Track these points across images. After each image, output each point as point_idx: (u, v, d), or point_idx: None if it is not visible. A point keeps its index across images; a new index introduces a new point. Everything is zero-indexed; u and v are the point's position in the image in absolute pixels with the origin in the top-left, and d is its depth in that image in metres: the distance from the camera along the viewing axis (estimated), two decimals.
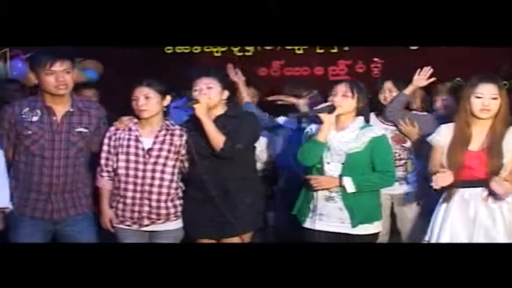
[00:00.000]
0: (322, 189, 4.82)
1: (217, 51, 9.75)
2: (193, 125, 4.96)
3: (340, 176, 4.80)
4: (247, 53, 9.72)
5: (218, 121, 4.94)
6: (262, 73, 9.71)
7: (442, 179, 4.58)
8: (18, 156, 4.79)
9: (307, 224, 4.90)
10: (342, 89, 4.86)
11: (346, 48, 9.33)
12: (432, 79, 5.73)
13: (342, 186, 4.78)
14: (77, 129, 4.78)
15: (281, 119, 6.20)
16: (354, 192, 4.78)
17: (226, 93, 5.03)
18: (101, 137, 4.89)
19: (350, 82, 4.97)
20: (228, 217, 4.88)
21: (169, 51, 9.54)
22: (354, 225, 4.81)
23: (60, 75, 4.65)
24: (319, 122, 4.90)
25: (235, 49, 9.62)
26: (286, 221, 5.72)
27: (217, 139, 4.85)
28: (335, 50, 9.32)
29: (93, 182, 4.93)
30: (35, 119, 4.73)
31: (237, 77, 5.95)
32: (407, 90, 5.65)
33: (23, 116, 4.74)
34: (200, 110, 4.85)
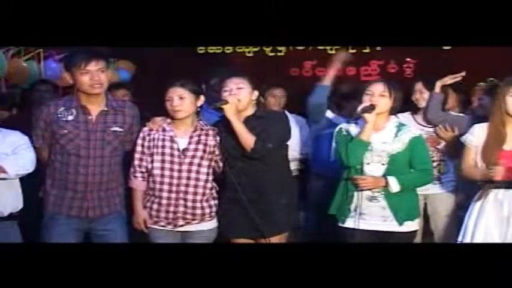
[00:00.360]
0: (367, 189, 4.82)
1: (249, 52, 9.78)
2: (224, 126, 4.96)
3: (384, 176, 4.81)
4: (279, 53, 9.74)
5: (248, 122, 4.94)
6: (294, 73, 9.72)
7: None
8: (54, 156, 4.82)
9: (349, 224, 4.89)
10: (379, 88, 4.86)
11: (378, 48, 9.31)
12: (458, 77, 5.72)
13: (386, 186, 4.79)
14: (111, 128, 4.79)
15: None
16: (396, 192, 4.80)
17: (256, 94, 5.03)
18: (135, 136, 4.92)
19: (387, 82, 4.97)
20: (263, 217, 4.89)
21: (201, 52, 9.58)
22: (400, 223, 4.85)
23: (95, 75, 4.67)
24: (355, 122, 4.92)
25: (267, 49, 9.64)
26: (318, 221, 5.74)
27: (248, 139, 4.86)
28: (367, 50, 9.31)
29: (126, 182, 4.95)
30: (70, 118, 4.74)
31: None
32: (437, 88, 5.67)
33: (59, 115, 4.75)
34: (229, 111, 4.85)
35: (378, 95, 4.83)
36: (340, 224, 4.94)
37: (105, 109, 4.79)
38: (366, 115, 4.78)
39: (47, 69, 8.71)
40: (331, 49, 9.40)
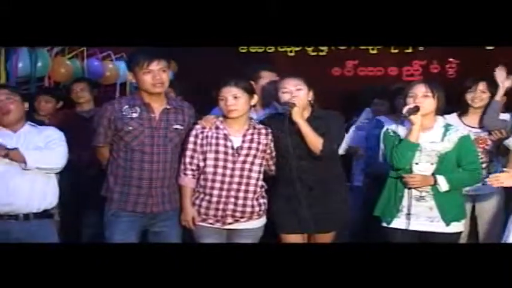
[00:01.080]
0: (415, 188, 4.81)
1: (291, 51, 9.78)
2: (278, 126, 4.97)
3: (433, 175, 4.81)
4: (320, 53, 9.73)
5: (308, 123, 4.95)
6: (336, 73, 9.70)
7: None
8: (117, 153, 4.89)
9: (396, 224, 4.89)
10: (421, 89, 4.84)
11: (421, 48, 9.27)
12: None
13: (434, 185, 4.80)
14: (173, 126, 4.88)
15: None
16: (444, 191, 4.80)
17: (311, 94, 5.04)
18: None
19: (428, 82, 4.95)
20: (319, 214, 4.93)
21: (243, 51, 9.61)
22: (448, 223, 4.85)
23: (156, 74, 4.75)
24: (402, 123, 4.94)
25: (309, 49, 9.64)
26: (361, 221, 5.74)
27: (316, 141, 4.88)
28: (410, 50, 9.27)
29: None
30: (134, 115, 4.82)
31: None
32: (499, 97, 5.64)
33: (123, 112, 4.83)
34: (297, 114, 4.88)
35: (421, 95, 4.82)
36: (386, 225, 4.94)
37: (168, 107, 4.88)
38: (412, 117, 4.77)
39: (89, 68, 8.80)
40: (372, 49, 9.41)
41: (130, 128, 4.81)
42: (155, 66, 4.75)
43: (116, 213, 4.86)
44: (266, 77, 5.47)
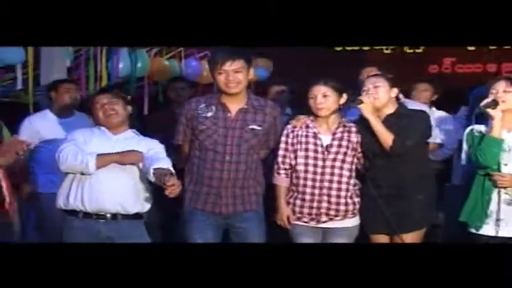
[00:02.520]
0: (504, 188, 4.69)
1: (386, 49, 9.74)
2: (363, 124, 4.98)
3: None
4: (417, 50, 9.67)
5: (388, 120, 4.94)
6: (433, 70, 9.62)
7: None
8: (193, 152, 4.92)
9: (486, 231, 4.75)
10: (502, 84, 4.76)
11: None
12: None
13: None
14: (250, 126, 4.84)
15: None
16: None
17: (395, 91, 5.02)
18: (278, 135, 4.98)
19: (509, 78, 4.86)
20: (401, 214, 4.90)
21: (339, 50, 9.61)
22: None
23: (230, 75, 4.74)
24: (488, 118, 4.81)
25: (406, 47, 9.59)
26: (456, 222, 5.67)
27: (386, 138, 4.86)
28: (509, 47, 9.10)
29: (266, 180, 5.01)
30: (209, 114, 4.83)
31: None
32: None
33: (199, 111, 4.86)
34: (366, 110, 4.88)
35: (502, 91, 4.74)
36: (474, 231, 4.80)
37: (245, 107, 4.85)
38: (490, 111, 4.69)
39: (187, 68, 8.92)
40: (470, 46, 9.28)
41: (204, 127, 4.82)
42: (228, 66, 4.74)
43: (191, 211, 4.89)
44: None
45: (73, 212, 4.70)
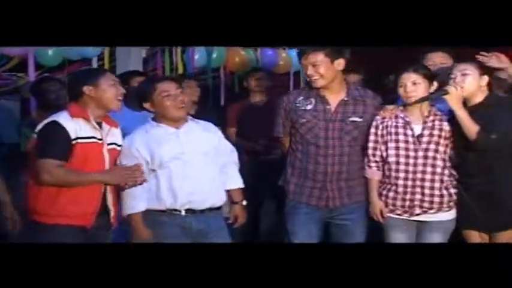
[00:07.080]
0: None
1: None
2: (452, 114, 4.77)
3: None
4: None
5: (477, 110, 4.71)
6: None
7: None
8: (295, 145, 4.93)
9: None
10: None
11: None
12: None
13: None
14: (350, 118, 4.81)
15: None
16: None
17: (485, 79, 4.76)
18: None
19: None
20: (495, 210, 4.69)
21: None
22: None
23: (309, 69, 4.75)
24: None
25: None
26: None
27: (471, 129, 4.63)
28: None
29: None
30: (309, 107, 4.82)
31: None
32: None
33: (297, 104, 4.85)
34: (452, 100, 4.68)
35: None
36: None
37: (345, 99, 4.83)
38: None
39: (263, 57, 8.87)
40: None
41: (304, 120, 4.82)
42: (305, 60, 4.76)
43: (294, 205, 4.90)
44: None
45: (165, 210, 4.63)
